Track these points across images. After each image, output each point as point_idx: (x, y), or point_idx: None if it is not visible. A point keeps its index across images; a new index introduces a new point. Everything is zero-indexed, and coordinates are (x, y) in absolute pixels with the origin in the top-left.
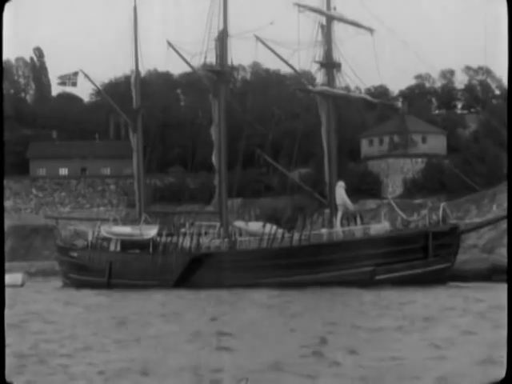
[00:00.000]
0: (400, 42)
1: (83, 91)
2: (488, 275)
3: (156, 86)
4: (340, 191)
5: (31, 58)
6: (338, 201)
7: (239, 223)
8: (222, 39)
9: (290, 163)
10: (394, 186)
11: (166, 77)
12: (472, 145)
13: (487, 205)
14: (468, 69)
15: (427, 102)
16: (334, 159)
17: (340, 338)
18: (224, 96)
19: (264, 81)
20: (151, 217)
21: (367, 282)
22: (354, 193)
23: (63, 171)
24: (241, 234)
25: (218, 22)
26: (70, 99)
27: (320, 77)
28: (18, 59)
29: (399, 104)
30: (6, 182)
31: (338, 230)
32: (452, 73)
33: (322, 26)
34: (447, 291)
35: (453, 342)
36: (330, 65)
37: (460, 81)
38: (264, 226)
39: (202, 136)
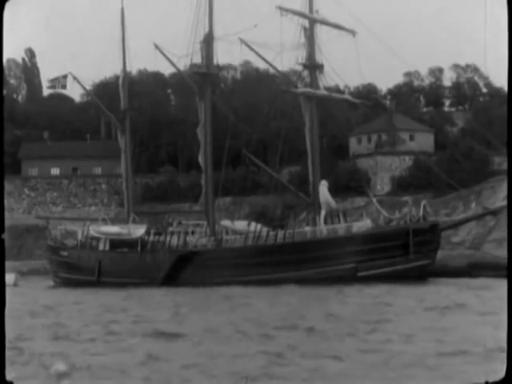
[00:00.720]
0: (382, 43)
1: (74, 91)
2: (468, 271)
3: (146, 85)
4: (323, 190)
5: (23, 59)
6: (322, 199)
7: (226, 222)
8: (208, 42)
9: (280, 161)
10: (382, 184)
11: (156, 76)
12: (459, 142)
13: (473, 201)
14: (456, 66)
15: (415, 99)
16: (317, 159)
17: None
18: (210, 97)
19: (254, 79)
20: (139, 216)
21: (349, 279)
22: (342, 190)
23: (55, 171)
24: (227, 233)
25: (204, 24)
26: (61, 99)
27: (304, 78)
28: (9, 60)
29: (387, 102)
30: None
31: (322, 227)
32: (441, 70)
33: (305, 29)
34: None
35: None
36: (312, 66)
37: (448, 78)
38: (249, 225)
39: (191, 135)
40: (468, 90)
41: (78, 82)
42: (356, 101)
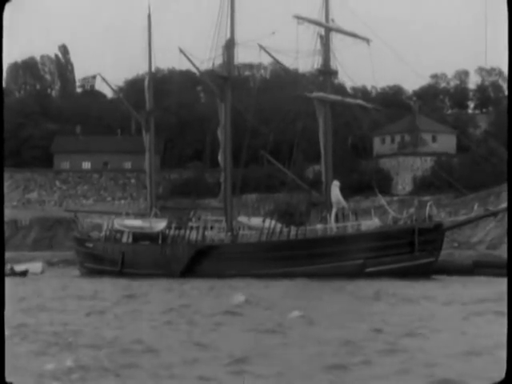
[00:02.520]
0: (394, 52)
1: (107, 87)
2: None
3: (176, 83)
4: (335, 190)
5: (56, 55)
6: (333, 198)
7: (242, 218)
8: (229, 47)
9: (300, 160)
10: (403, 184)
11: (186, 74)
12: (482, 144)
13: (493, 202)
14: (481, 70)
15: (440, 101)
16: (329, 160)
17: None
18: (230, 99)
19: (281, 79)
20: (162, 211)
21: (358, 274)
22: (365, 189)
23: (86, 165)
24: (243, 228)
25: (226, 30)
26: (93, 95)
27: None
28: (43, 56)
29: (411, 103)
30: (30, 174)
31: (332, 225)
32: (466, 73)
33: (321, 36)
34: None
35: None
36: (327, 72)
37: (473, 81)
38: (264, 221)
39: (212, 135)
40: (492, 92)
41: (106, 82)
42: (369, 105)
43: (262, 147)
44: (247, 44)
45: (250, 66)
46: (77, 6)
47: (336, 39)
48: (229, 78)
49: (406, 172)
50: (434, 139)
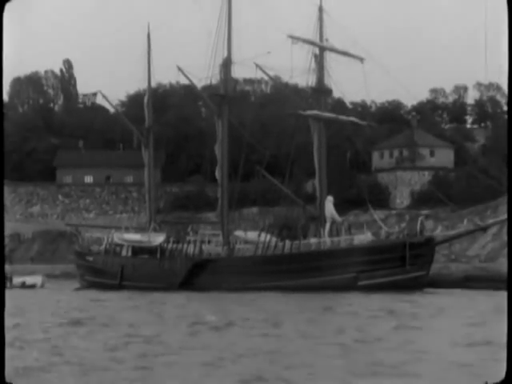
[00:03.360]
0: (386, 72)
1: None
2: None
3: (178, 98)
4: (329, 205)
5: (61, 70)
6: (327, 213)
7: (239, 232)
8: (226, 65)
9: (303, 174)
10: (401, 198)
11: (187, 89)
12: (479, 158)
13: (490, 216)
14: (479, 85)
15: (438, 116)
16: (323, 176)
17: None
18: (227, 117)
19: (282, 94)
20: (160, 225)
21: (351, 287)
22: (363, 203)
23: (88, 179)
24: (240, 242)
25: (223, 50)
26: (96, 110)
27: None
28: (47, 71)
29: (410, 118)
30: (33, 188)
31: (326, 239)
32: (465, 88)
33: (315, 55)
34: None
35: None
36: (321, 90)
37: (472, 96)
38: (259, 235)
39: (210, 151)
40: (490, 107)
41: (107, 99)
42: (362, 123)
43: (258, 162)
44: (244, 63)
45: (251, 81)
46: (79, 20)
47: (330, 58)
48: (226, 96)
49: (404, 186)
50: (431, 154)
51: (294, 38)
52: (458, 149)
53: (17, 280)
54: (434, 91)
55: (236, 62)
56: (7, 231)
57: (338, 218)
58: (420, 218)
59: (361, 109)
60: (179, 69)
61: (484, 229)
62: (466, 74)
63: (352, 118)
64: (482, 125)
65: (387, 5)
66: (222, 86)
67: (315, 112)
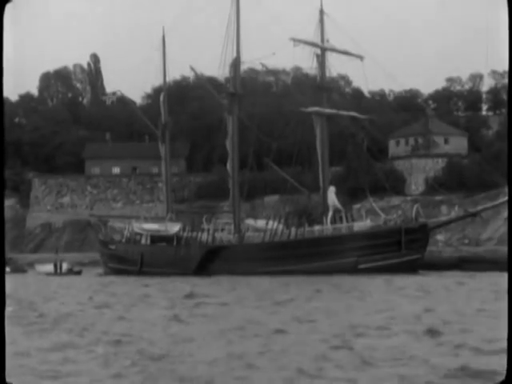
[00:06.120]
0: (381, 67)
1: (136, 94)
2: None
3: (202, 89)
4: (331, 195)
5: (88, 64)
6: (330, 202)
7: (249, 220)
8: (235, 65)
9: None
10: (416, 184)
11: (211, 81)
12: (494, 145)
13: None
14: (494, 73)
15: (454, 104)
16: (326, 167)
17: None
18: (237, 113)
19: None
20: (177, 215)
21: (351, 271)
22: (379, 190)
23: (116, 170)
24: (249, 230)
25: (232, 51)
26: (122, 103)
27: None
28: (75, 65)
29: (426, 106)
30: (63, 179)
31: (328, 226)
32: (481, 77)
33: (317, 56)
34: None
35: None
36: (323, 88)
37: (487, 84)
38: (267, 223)
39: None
40: (504, 95)
41: (125, 98)
42: (363, 117)
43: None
44: (252, 62)
45: (274, 72)
46: (100, 14)
47: (332, 57)
48: (235, 94)
49: (419, 173)
50: (446, 141)
51: (296, 40)
52: (472, 136)
53: (42, 268)
54: (450, 80)
55: (244, 62)
56: (39, 221)
57: (340, 207)
58: (415, 206)
59: (379, 97)
60: (192, 68)
61: (474, 215)
62: (482, 63)
63: (352, 113)
64: (497, 112)
65: None
66: (231, 84)
67: (316, 108)
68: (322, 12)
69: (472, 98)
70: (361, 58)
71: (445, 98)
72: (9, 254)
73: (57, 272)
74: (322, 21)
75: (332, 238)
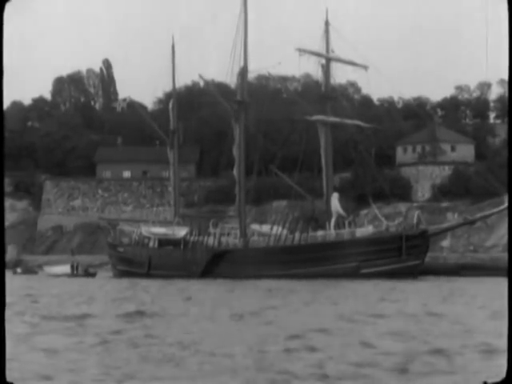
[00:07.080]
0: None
1: (148, 99)
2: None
3: (213, 95)
4: (334, 201)
5: (100, 69)
6: (333, 208)
7: (255, 225)
8: (243, 74)
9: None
10: (422, 191)
11: (220, 87)
12: (501, 153)
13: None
14: (503, 81)
15: (462, 112)
16: (330, 174)
17: None
18: (243, 121)
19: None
20: (185, 219)
21: (353, 275)
22: (386, 196)
23: (126, 174)
24: (254, 235)
25: (240, 60)
26: (134, 107)
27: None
28: (88, 70)
29: (433, 114)
30: (75, 183)
31: (331, 232)
32: (489, 85)
33: (322, 65)
34: None
35: None
36: (328, 97)
37: (496, 93)
38: (271, 228)
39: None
40: None
41: (134, 106)
42: (367, 125)
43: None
44: (259, 71)
45: (284, 79)
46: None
47: (337, 66)
48: (242, 102)
49: (426, 180)
50: (452, 149)
51: (302, 51)
52: (479, 144)
53: (52, 269)
54: (458, 88)
55: (251, 71)
56: (50, 223)
57: (343, 213)
58: (416, 212)
59: (387, 105)
60: (200, 76)
61: (472, 222)
62: (490, 72)
63: (356, 122)
64: (505, 120)
65: (413, 4)
66: (239, 93)
67: (321, 117)
68: (327, 23)
69: (480, 106)
70: (365, 67)
71: (453, 106)
72: (20, 256)
73: (73, 273)
74: (327, 31)
75: (335, 244)
